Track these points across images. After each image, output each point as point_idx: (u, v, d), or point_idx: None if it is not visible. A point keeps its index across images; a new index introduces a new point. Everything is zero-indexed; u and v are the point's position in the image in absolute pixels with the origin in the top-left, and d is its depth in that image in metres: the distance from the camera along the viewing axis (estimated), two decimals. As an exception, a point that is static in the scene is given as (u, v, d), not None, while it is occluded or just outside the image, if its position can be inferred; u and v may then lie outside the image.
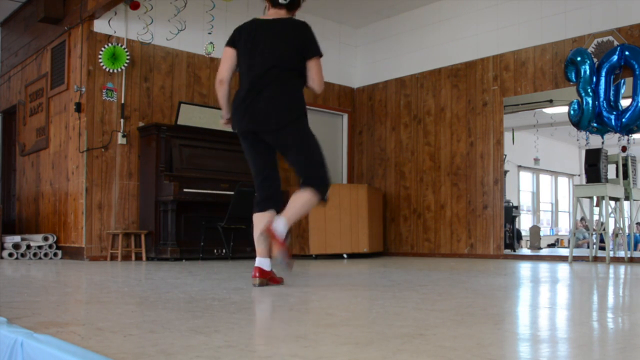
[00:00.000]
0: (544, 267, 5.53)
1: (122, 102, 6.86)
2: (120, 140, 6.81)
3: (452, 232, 7.78)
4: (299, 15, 3.57)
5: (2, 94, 8.98)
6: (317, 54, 3.38)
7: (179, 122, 6.74)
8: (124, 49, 6.81)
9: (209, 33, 7.10)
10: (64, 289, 3.35)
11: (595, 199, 6.46)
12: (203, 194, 6.62)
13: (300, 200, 3.25)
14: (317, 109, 8.71)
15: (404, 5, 8.31)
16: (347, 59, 9.11)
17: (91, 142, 6.67)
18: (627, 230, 7.04)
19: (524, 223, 13.14)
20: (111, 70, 6.75)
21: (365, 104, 9.02)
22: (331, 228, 7.46)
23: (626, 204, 7.04)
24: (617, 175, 6.63)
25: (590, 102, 6.51)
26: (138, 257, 6.71)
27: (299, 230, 7.70)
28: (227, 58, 3.43)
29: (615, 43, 6.43)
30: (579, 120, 6.63)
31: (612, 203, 6.62)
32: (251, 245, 6.24)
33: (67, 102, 7.06)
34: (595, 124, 6.58)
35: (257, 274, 3.24)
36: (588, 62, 6.50)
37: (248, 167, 3.62)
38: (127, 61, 6.80)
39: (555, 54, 6.92)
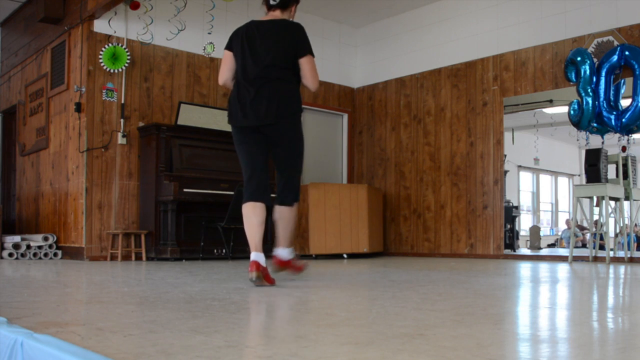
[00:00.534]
0: (543, 267, 5.53)
1: (122, 102, 6.86)
2: (120, 140, 6.81)
3: (452, 232, 7.78)
4: (299, 15, 3.62)
5: (2, 94, 8.98)
6: (308, 52, 3.51)
7: (179, 122, 6.74)
8: (125, 49, 6.81)
9: (209, 33, 7.10)
10: (64, 289, 3.35)
11: (595, 199, 6.46)
12: (203, 194, 6.62)
13: (285, 221, 3.64)
14: (317, 109, 8.72)
15: (403, 5, 8.31)
16: (347, 59, 9.10)
17: (91, 142, 6.67)
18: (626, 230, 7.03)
19: (524, 223, 13.14)
20: (111, 70, 6.75)
21: (365, 104, 9.01)
22: (331, 228, 7.46)
23: (626, 204, 7.04)
24: (617, 175, 6.62)
25: (590, 102, 6.51)
26: (138, 257, 6.71)
27: (299, 230, 7.70)
28: (226, 61, 3.61)
29: (615, 43, 6.43)
30: (579, 120, 6.63)
31: (612, 203, 6.62)
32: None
33: (67, 102, 7.06)
34: (595, 124, 6.58)
35: (254, 268, 3.26)
36: (588, 62, 6.50)
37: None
38: (128, 61, 6.81)
39: (555, 54, 6.92)
